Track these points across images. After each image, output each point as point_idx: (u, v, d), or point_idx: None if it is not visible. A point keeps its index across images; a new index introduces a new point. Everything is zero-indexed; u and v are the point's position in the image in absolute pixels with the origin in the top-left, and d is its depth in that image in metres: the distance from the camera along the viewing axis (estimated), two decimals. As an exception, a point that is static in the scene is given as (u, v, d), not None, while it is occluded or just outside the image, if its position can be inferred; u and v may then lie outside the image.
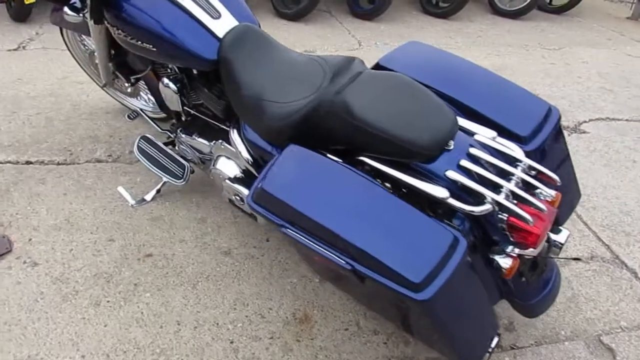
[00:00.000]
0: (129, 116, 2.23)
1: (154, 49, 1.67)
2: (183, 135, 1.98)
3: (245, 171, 1.74)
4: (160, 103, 2.32)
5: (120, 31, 1.71)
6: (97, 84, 2.66)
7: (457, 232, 1.20)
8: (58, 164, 2.32)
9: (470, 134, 1.37)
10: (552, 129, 1.42)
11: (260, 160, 1.64)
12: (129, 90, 2.43)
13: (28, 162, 2.32)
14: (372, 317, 1.69)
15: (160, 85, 1.84)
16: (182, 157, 2.06)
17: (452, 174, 1.25)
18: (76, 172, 2.27)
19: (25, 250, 1.86)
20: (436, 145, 1.25)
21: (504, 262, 1.26)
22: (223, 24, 1.64)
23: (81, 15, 1.87)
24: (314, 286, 1.80)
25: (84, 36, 2.50)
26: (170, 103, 1.87)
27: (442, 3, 4.87)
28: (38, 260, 1.82)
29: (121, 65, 2.26)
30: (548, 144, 1.41)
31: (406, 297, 1.13)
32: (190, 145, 2.00)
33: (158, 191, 2.14)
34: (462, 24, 4.69)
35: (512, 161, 1.30)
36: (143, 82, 2.41)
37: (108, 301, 1.69)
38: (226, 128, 1.86)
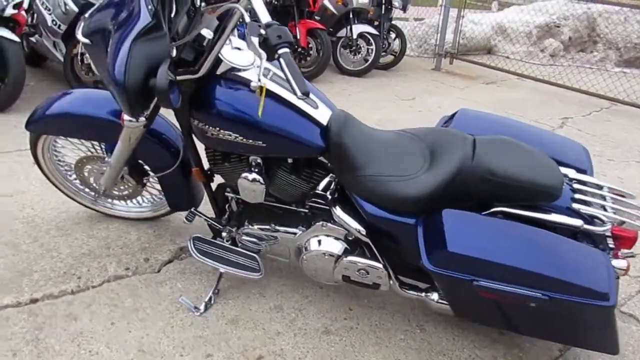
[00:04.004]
0: (186, 218, 2.03)
1: (264, 145, 1.67)
2: (254, 227, 1.94)
3: (355, 244, 1.83)
4: (172, 198, 2.19)
5: (223, 132, 1.65)
6: (70, 197, 2.36)
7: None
8: (73, 292, 1.96)
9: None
10: (590, 160, 1.92)
11: (377, 232, 1.77)
12: (125, 193, 2.24)
13: (34, 300, 1.90)
14: (483, 346, 1.93)
15: (242, 180, 1.79)
16: (246, 249, 2.00)
17: (578, 206, 1.63)
18: (104, 296, 1.96)
19: (121, 397, 1.58)
20: (561, 186, 1.62)
21: (621, 264, 1.67)
22: (322, 113, 1.75)
23: (143, 117, 1.72)
24: (421, 336, 1.95)
25: (60, 147, 2.20)
26: (253, 196, 1.83)
27: (304, 68, 5.39)
28: (149, 403, 1.57)
29: (134, 167, 2.10)
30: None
31: (598, 307, 1.46)
32: (257, 236, 1.97)
33: (217, 290, 2.01)
34: (325, 85, 5.24)
35: (599, 187, 1.75)
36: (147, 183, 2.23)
37: (263, 416, 1.57)
38: (303, 210, 1.91)
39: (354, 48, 5.71)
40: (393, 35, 6.22)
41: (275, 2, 5.33)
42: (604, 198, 1.71)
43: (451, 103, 5.01)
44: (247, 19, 1.40)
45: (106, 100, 2.03)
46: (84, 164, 2.15)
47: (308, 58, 5.38)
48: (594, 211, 1.64)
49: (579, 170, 1.82)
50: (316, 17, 5.67)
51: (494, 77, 6.22)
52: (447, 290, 1.64)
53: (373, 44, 5.67)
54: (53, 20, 3.97)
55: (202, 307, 1.93)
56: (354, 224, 1.78)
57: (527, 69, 6.14)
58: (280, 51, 1.34)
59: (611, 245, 1.66)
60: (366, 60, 5.75)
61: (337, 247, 1.83)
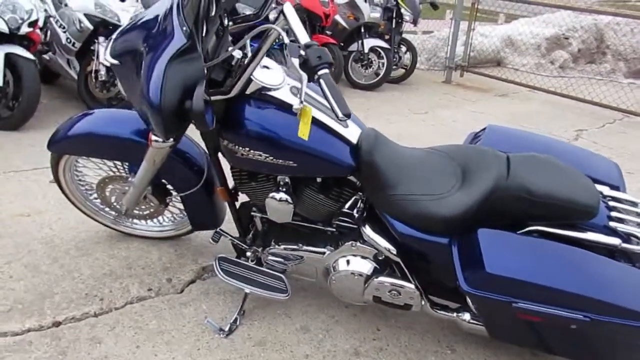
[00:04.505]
0: (212, 239, 2.00)
1: (294, 164, 1.64)
2: (281, 246, 1.90)
3: (385, 264, 1.80)
4: (194, 217, 2.16)
5: (253, 152, 1.62)
6: (91, 216, 2.33)
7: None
8: (96, 314, 1.93)
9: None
10: (622, 176, 1.88)
11: (409, 251, 1.73)
12: (146, 212, 2.21)
13: (56, 324, 1.87)
14: (515, 368, 1.88)
15: (270, 200, 1.76)
16: (271, 269, 1.96)
17: (614, 224, 1.59)
18: (127, 318, 1.92)
19: None
20: (598, 204, 1.58)
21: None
22: (352, 132, 1.72)
23: (171, 138, 1.71)
24: (452, 357, 1.89)
25: (81, 167, 2.18)
26: (280, 216, 1.80)
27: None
28: None
29: (157, 187, 2.08)
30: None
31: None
32: (284, 256, 1.93)
33: (243, 311, 1.97)
34: (338, 100, 5.23)
35: (634, 204, 1.70)
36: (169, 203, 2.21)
37: None
38: (330, 229, 1.88)
39: (365, 62, 5.71)
40: (404, 48, 6.22)
41: (287, 18, 5.34)
42: (639, 215, 1.67)
43: (464, 116, 4.99)
44: (287, 40, 1.38)
45: (128, 120, 2.02)
46: (106, 183, 2.13)
47: (320, 72, 5.37)
48: (632, 229, 1.59)
49: (612, 187, 1.78)
50: (327, 32, 5.68)
51: (506, 89, 6.20)
52: (484, 312, 1.60)
53: (384, 57, 5.67)
54: (67, 38, 3.98)
55: (227, 329, 1.89)
56: (384, 243, 1.75)
57: (538, 81, 6.12)
58: (320, 72, 1.31)
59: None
60: (377, 74, 5.74)
61: (367, 267, 1.79)
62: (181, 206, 2.24)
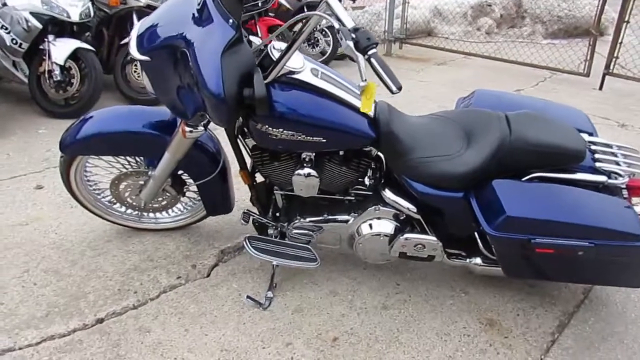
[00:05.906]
0: (243, 219, 2.08)
1: (324, 140, 1.77)
2: (306, 220, 2.04)
3: (406, 223, 1.99)
4: (210, 203, 2.24)
5: (286, 132, 1.72)
6: (102, 216, 2.35)
7: (619, 197, 1.84)
8: (135, 306, 1.99)
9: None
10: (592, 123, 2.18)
11: (428, 208, 1.93)
12: (157, 205, 2.27)
13: (100, 320, 1.91)
14: (521, 299, 2.15)
15: (297, 177, 1.88)
16: (297, 242, 2.09)
17: (599, 164, 1.87)
18: (166, 305, 2.00)
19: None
20: (585, 149, 1.85)
21: (638, 210, 1.92)
22: (368, 105, 1.87)
23: (201, 126, 1.78)
24: (467, 298, 2.14)
25: (90, 167, 2.19)
26: (307, 190, 1.93)
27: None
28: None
29: (175, 178, 2.14)
30: (594, 133, 2.17)
31: (634, 247, 1.70)
32: (308, 228, 2.07)
33: (275, 285, 2.10)
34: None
35: (609, 146, 2.00)
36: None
37: (358, 389, 1.69)
38: (348, 198, 2.04)
39: (312, 41, 5.82)
40: (345, 25, 6.39)
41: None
42: (614, 155, 1.96)
43: (415, 86, 5.26)
44: (337, 25, 1.50)
45: (135, 116, 2.06)
46: (120, 180, 2.15)
47: (270, 55, 5.43)
48: (612, 167, 1.88)
49: (588, 134, 2.06)
50: (270, 14, 5.72)
51: (443, 57, 6.56)
52: (505, 252, 1.82)
53: (329, 35, 5.81)
54: (13, 39, 3.79)
55: (264, 302, 2.02)
56: (405, 204, 1.94)
57: (472, 48, 6.52)
58: (370, 52, 1.45)
59: (625, 196, 1.92)
60: (323, 53, 5.88)
61: (390, 227, 1.98)
62: (193, 195, 2.31)
